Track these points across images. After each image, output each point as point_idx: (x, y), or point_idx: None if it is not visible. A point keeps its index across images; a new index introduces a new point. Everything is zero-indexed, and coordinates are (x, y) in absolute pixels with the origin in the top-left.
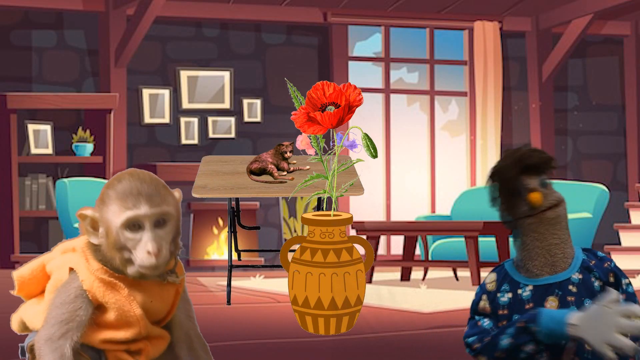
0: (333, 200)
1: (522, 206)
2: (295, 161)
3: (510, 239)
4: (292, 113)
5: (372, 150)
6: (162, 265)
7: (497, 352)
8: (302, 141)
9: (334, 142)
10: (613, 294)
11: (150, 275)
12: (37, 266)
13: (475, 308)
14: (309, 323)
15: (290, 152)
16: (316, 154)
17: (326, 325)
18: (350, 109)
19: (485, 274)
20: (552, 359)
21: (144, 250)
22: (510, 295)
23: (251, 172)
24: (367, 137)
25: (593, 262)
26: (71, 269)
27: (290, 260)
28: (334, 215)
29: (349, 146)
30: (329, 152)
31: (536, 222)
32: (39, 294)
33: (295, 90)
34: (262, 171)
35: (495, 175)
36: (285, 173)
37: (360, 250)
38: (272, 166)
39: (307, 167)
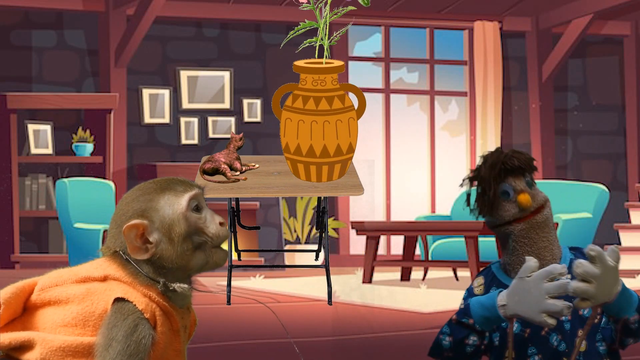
0: (325, 48)
1: (510, 209)
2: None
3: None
4: None
5: None
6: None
7: (444, 352)
8: None
9: None
10: (530, 262)
11: (222, 256)
12: (21, 290)
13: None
14: (301, 170)
15: (241, 142)
16: (308, 2)
17: (318, 173)
18: None
19: None
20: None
21: (215, 224)
22: None
23: (204, 172)
24: None
25: None
26: (117, 299)
27: (282, 108)
28: (326, 62)
29: None
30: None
31: (527, 228)
32: (6, 323)
33: None
34: (215, 171)
35: (478, 179)
36: (238, 173)
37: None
38: (225, 166)
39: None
